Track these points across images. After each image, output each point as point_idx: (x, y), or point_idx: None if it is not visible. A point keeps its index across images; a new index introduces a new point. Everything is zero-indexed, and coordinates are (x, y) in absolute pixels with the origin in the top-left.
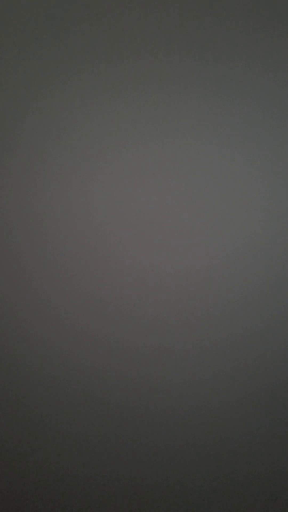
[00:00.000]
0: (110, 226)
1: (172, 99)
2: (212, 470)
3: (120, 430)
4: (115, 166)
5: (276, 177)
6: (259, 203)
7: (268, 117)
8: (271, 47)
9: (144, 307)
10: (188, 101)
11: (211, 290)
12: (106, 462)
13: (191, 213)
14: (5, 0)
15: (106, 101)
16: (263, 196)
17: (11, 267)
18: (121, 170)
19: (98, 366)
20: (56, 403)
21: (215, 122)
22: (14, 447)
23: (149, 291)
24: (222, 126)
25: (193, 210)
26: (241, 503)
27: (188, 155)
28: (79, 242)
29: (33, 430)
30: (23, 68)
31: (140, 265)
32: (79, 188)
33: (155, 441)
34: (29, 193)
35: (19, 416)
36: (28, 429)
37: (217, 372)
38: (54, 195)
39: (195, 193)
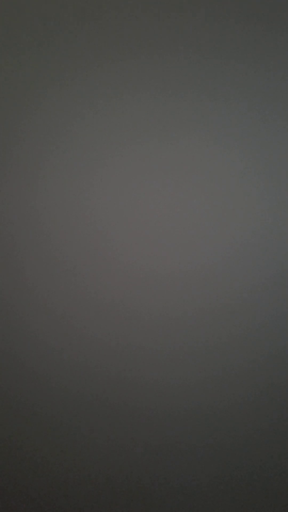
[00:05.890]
0: (110, 226)
1: (172, 100)
2: (212, 470)
3: (120, 430)
4: (115, 167)
5: (277, 177)
6: (259, 203)
7: (268, 118)
8: (272, 47)
9: (144, 307)
10: (188, 102)
11: (211, 291)
12: (106, 462)
13: (192, 214)
14: (5, 1)
15: (106, 101)
16: (264, 197)
17: (11, 268)
18: (121, 171)
19: (98, 366)
20: (55, 403)
21: (215, 122)
22: (14, 446)
23: (150, 292)
24: (222, 126)
25: (193, 211)
26: (242, 503)
27: (188, 156)
28: (79, 243)
29: (32, 430)
30: (22, 70)
31: (141, 265)
32: (80, 189)
33: (155, 441)
34: (29, 195)
35: (19, 416)
36: (27, 428)
37: (217, 372)
38: (54, 196)
39: (196, 194)
